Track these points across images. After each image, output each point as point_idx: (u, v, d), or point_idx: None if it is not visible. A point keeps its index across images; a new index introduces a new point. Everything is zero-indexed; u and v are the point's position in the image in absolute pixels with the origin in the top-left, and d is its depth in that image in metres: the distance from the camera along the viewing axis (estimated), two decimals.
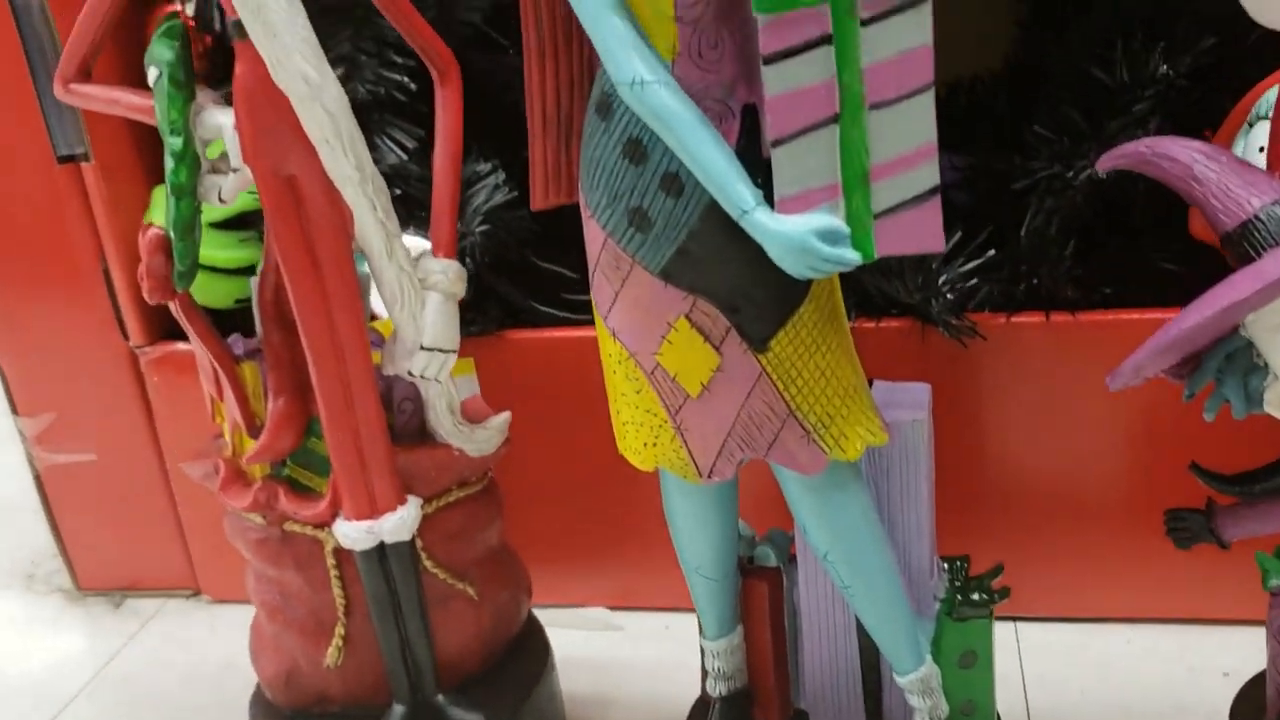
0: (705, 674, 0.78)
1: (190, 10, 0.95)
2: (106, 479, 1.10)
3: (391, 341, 0.72)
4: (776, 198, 0.56)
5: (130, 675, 1.05)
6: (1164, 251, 0.89)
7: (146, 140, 0.98)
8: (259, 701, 0.84)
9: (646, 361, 0.64)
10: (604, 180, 0.61)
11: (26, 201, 1.01)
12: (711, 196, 0.57)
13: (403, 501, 0.75)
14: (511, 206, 0.93)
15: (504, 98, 1.00)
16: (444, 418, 0.75)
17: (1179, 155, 0.60)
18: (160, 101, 0.67)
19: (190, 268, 0.70)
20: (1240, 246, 0.57)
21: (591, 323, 0.67)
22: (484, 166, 0.94)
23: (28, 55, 0.95)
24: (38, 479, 1.12)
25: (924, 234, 0.57)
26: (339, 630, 0.78)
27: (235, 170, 0.68)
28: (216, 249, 0.96)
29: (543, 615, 0.90)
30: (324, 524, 0.75)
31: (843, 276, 0.63)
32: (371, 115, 0.95)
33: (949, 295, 0.86)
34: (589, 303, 0.66)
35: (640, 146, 0.60)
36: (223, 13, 0.67)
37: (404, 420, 0.76)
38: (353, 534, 0.74)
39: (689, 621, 0.79)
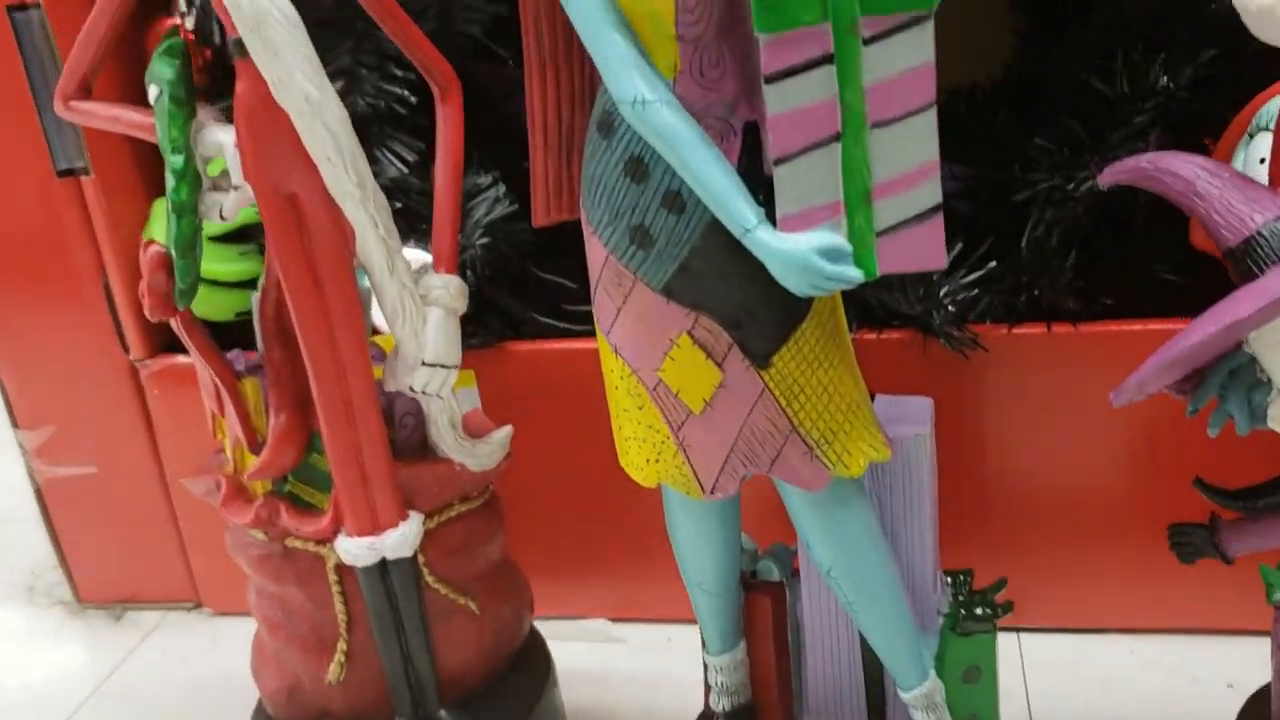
0: (708, 688, 0.78)
1: (190, 24, 0.96)
2: (107, 492, 1.10)
3: (393, 357, 0.72)
4: (779, 216, 0.56)
5: (131, 689, 1.05)
6: (1165, 261, 0.88)
7: (146, 154, 0.98)
8: (261, 717, 0.84)
9: (648, 378, 0.64)
10: (605, 198, 0.61)
11: (27, 215, 1.01)
12: (713, 214, 0.57)
13: (404, 517, 0.74)
14: (512, 219, 0.93)
15: (504, 108, 1.00)
16: (446, 433, 0.75)
17: (1181, 170, 0.60)
18: (161, 120, 0.67)
19: (191, 285, 0.70)
20: (1243, 263, 0.57)
21: (592, 334, 0.67)
22: (485, 179, 0.94)
23: (27, 69, 0.95)
24: (38, 492, 1.12)
25: (926, 251, 0.57)
26: (341, 646, 0.78)
27: (236, 188, 0.68)
28: (217, 262, 0.96)
29: (543, 627, 0.90)
30: (326, 540, 0.75)
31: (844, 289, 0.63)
32: (372, 128, 0.95)
33: (950, 307, 0.86)
34: (589, 313, 0.66)
35: (642, 164, 0.60)
36: (223, 28, 0.67)
37: (405, 435, 0.76)
38: (354, 550, 0.74)
39: (691, 633, 0.79)
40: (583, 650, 1.01)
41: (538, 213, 0.68)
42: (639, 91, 0.56)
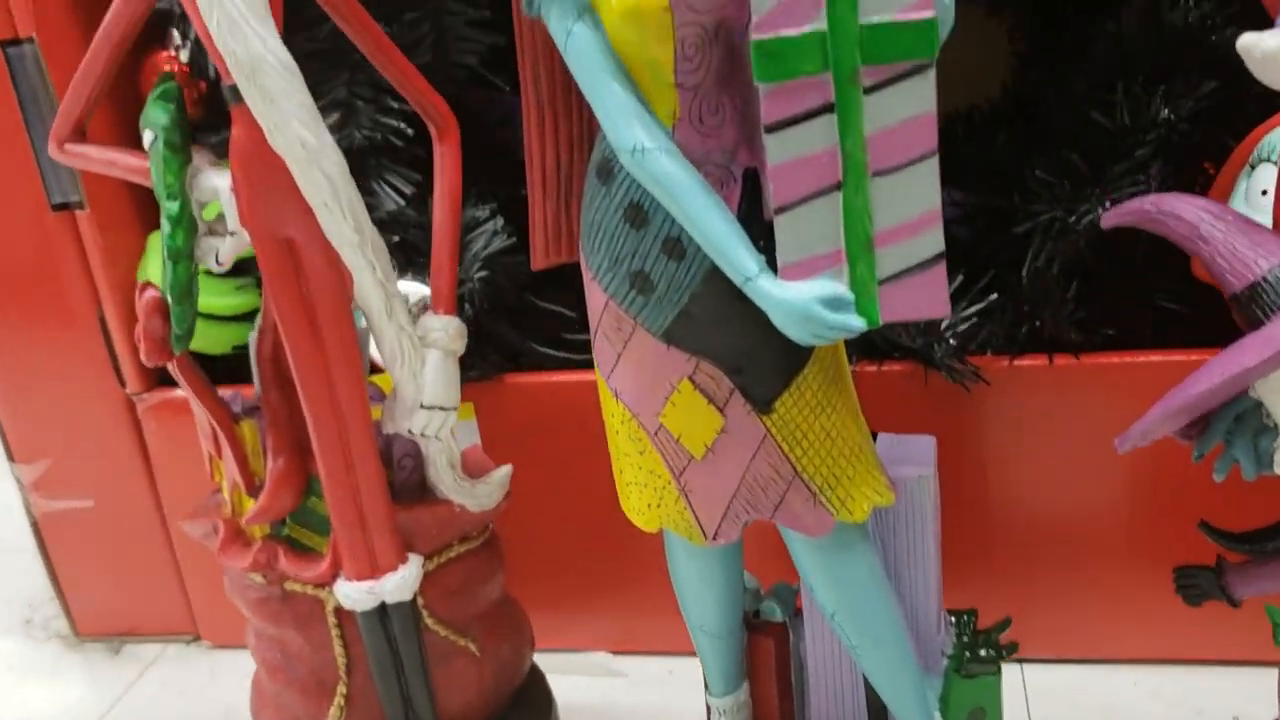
0: None
1: (185, 57, 0.95)
2: (104, 525, 1.09)
3: (391, 400, 0.72)
4: (780, 264, 0.56)
5: None
6: (1167, 292, 0.88)
7: (141, 189, 0.97)
8: None
9: (650, 423, 0.64)
10: (605, 244, 0.61)
11: (22, 249, 1.00)
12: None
13: (404, 560, 0.74)
14: (510, 252, 0.92)
15: (501, 135, 1.00)
16: (445, 474, 0.74)
17: (1185, 214, 0.60)
18: (156, 165, 0.66)
19: (188, 331, 0.70)
20: (1249, 309, 0.57)
21: (591, 365, 0.67)
22: (483, 212, 0.94)
23: (22, 104, 0.95)
24: (35, 525, 1.11)
25: (929, 300, 0.56)
26: (340, 689, 0.77)
27: (233, 233, 0.67)
28: (214, 296, 0.96)
29: (543, 661, 0.89)
30: (325, 584, 0.74)
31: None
32: (368, 161, 0.94)
33: (951, 340, 0.86)
34: (588, 342, 0.66)
35: (641, 211, 0.59)
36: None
37: (404, 476, 0.76)
38: (354, 595, 0.73)
39: (692, 666, 0.78)
40: (584, 684, 1.00)
41: (537, 256, 0.68)
42: (638, 140, 0.55)
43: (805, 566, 0.67)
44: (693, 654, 0.76)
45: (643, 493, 0.66)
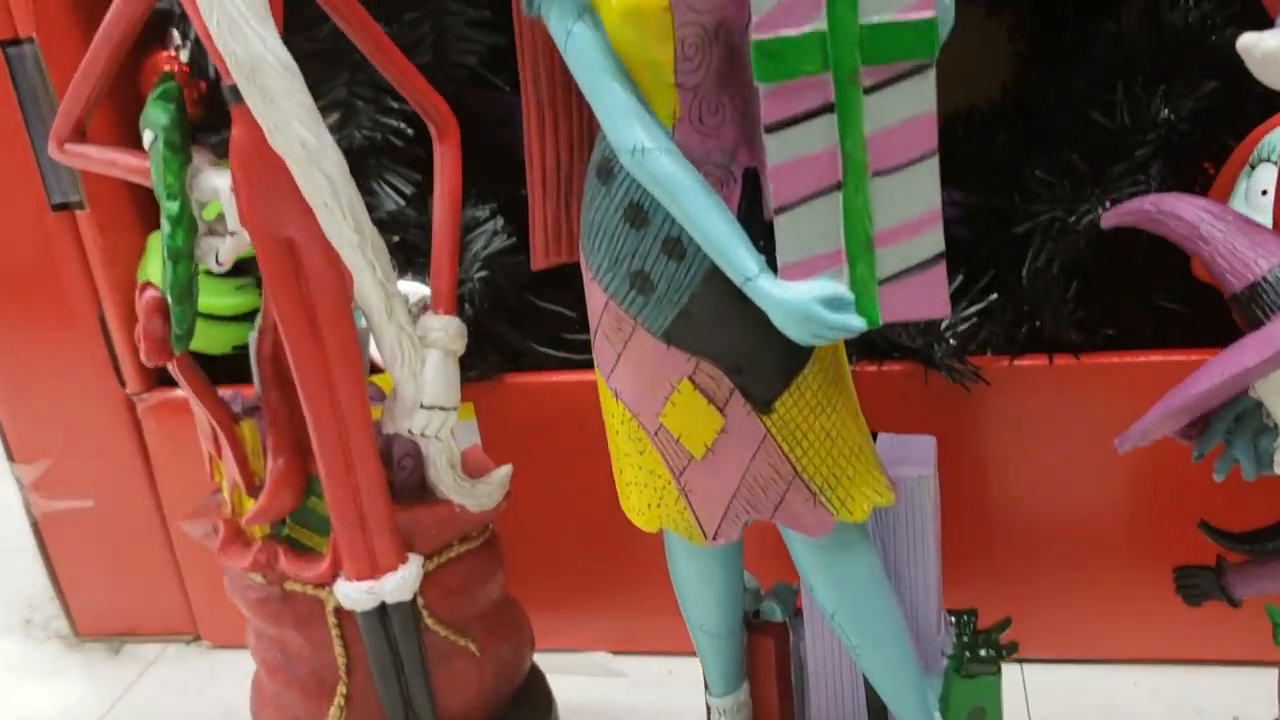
0: None
1: (185, 57, 0.95)
2: (104, 525, 1.09)
3: (391, 400, 0.72)
4: (780, 265, 0.56)
5: None
6: (1167, 291, 0.88)
7: (141, 188, 0.97)
8: None
9: (650, 423, 0.64)
10: (605, 244, 0.61)
11: (22, 249, 1.00)
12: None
13: (404, 560, 0.74)
14: (510, 251, 0.92)
15: (501, 135, 1.00)
16: (445, 474, 0.74)
17: (1185, 214, 0.60)
18: (156, 166, 0.66)
19: (188, 331, 0.70)
20: (1249, 309, 0.57)
21: (590, 365, 0.67)
22: (483, 212, 0.94)
23: (22, 104, 0.95)
24: (34, 525, 1.11)
25: (929, 300, 0.56)
26: (340, 689, 0.77)
27: (233, 233, 0.67)
28: (214, 296, 0.96)
29: (543, 661, 0.89)
30: (325, 584, 0.74)
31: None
32: (368, 161, 0.94)
33: (951, 340, 0.86)
34: (588, 342, 0.66)
35: (641, 211, 0.59)
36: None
37: (404, 476, 0.76)
38: (354, 595, 0.73)
39: (692, 666, 0.78)
40: (584, 684, 1.00)
41: (536, 256, 0.68)
42: (638, 140, 0.55)
43: (805, 566, 0.67)
44: (693, 654, 0.76)
45: (643, 493, 0.66)
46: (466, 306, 0.90)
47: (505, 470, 0.77)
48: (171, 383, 1.01)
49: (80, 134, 0.71)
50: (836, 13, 0.52)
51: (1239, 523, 0.69)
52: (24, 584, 1.21)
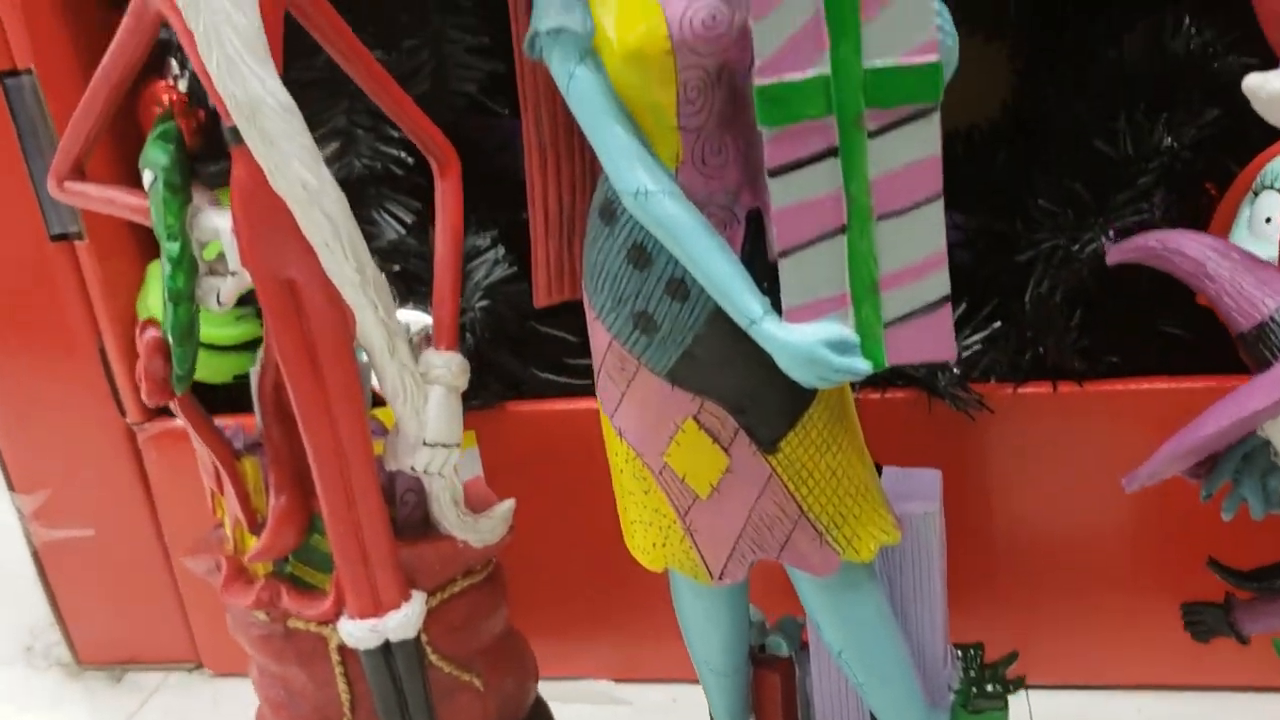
0: None
1: (183, 86, 0.95)
2: (105, 554, 1.09)
3: (394, 436, 0.71)
4: (784, 307, 0.55)
5: None
6: (1170, 318, 0.88)
7: None
8: None
9: (654, 462, 0.63)
10: (608, 284, 0.60)
11: (21, 279, 1.00)
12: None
13: (407, 597, 0.73)
14: (511, 280, 0.92)
15: (500, 160, 0.99)
16: (448, 510, 0.74)
17: (1190, 251, 0.59)
18: (156, 206, 0.66)
19: (189, 371, 0.69)
20: (1256, 349, 0.56)
21: (592, 391, 0.66)
22: (483, 240, 0.93)
23: (20, 135, 0.94)
24: (35, 554, 1.11)
25: (934, 342, 0.56)
26: None
27: (234, 273, 0.67)
28: (214, 326, 0.95)
29: (546, 689, 0.89)
30: (328, 622, 0.74)
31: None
32: (368, 190, 0.94)
33: (955, 368, 0.86)
34: (590, 367, 0.66)
35: (644, 252, 0.59)
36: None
37: (407, 512, 0.75)
38: (357, 633, 0.73)
39: (695, 694, 0.78)
40: (587, 712, 1.00)
41: (539, 295, 0.67)
42: (641, 183, 0.55)
43: (812, 605, 0.66)
44: (696, 681, 0.76)
45: (647, 531, 0.66)
46: (468, 336, 0.89)
47: (508, 505, 0.77)
48: (172, 412, 1.01)
49: (80, 172, 0.70)
50: (840, 56, 0.52)
51: (1245, 552, 0.68)
52: (25, 612, 1.21)
